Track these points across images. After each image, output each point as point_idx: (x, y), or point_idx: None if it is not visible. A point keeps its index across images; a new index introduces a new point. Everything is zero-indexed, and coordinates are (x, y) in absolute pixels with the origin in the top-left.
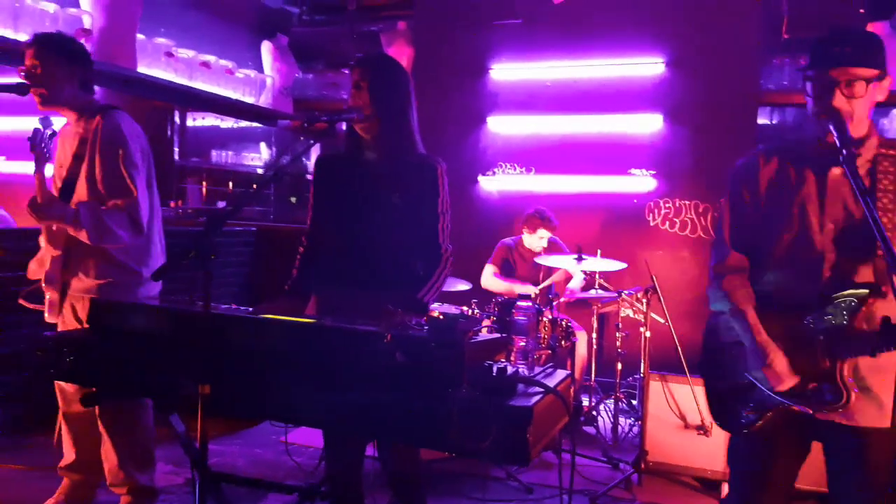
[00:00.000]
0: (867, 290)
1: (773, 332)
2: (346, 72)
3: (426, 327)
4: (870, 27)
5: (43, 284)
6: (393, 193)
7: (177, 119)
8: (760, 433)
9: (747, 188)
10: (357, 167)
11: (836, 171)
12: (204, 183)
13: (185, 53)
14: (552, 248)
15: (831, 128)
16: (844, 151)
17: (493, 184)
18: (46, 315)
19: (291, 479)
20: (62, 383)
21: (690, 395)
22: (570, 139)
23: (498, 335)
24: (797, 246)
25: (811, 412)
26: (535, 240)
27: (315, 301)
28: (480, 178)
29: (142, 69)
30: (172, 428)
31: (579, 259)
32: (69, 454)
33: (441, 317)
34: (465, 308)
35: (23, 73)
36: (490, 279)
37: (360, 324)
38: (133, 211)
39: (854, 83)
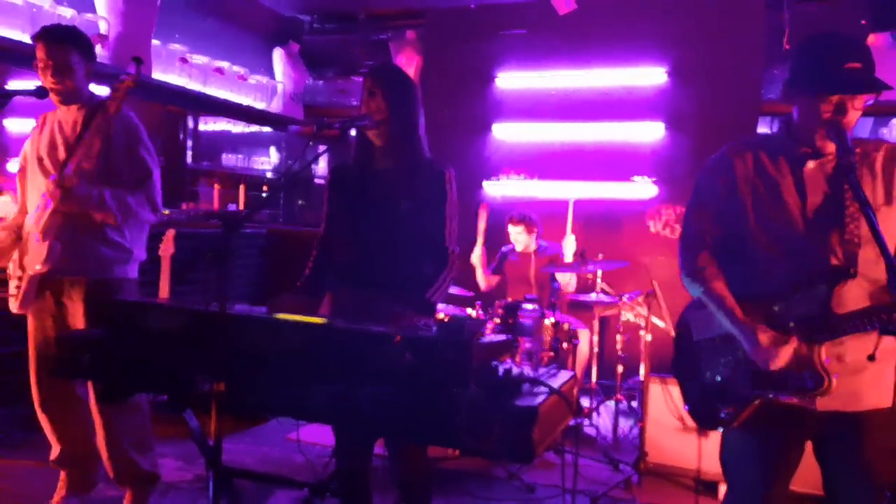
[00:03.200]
0: (836, 274)
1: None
2: (356, 79)
3: (435, 329)
4: (871, 38)
5: (11, 272)
6: (403, 199)
7: (190, 123)
8: (753, 431)
9: (723, 180)
10: (369, 173)
11: (811, 164)
12: (216, 186)
13: (199, 59)
14: (549, 256)
15: (834, 138)
16: (844, 160)
17: (497, 190)
18: (15, 305)
19: (299, 476)
20: (35, 379)
21: None
22: (573, 146)
23: (503, 336)
24: (773, 236)
25: (796, 401)
26: (514, 236)
27: (330, 300)
28: (485, 183)
29: (156, 75)
30: (185, 424)
31: (582, 261)
32: (55, 447)
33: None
34: (469, 310)
35: (44, 67)
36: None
37: (371, 325)
38: (151, 192)
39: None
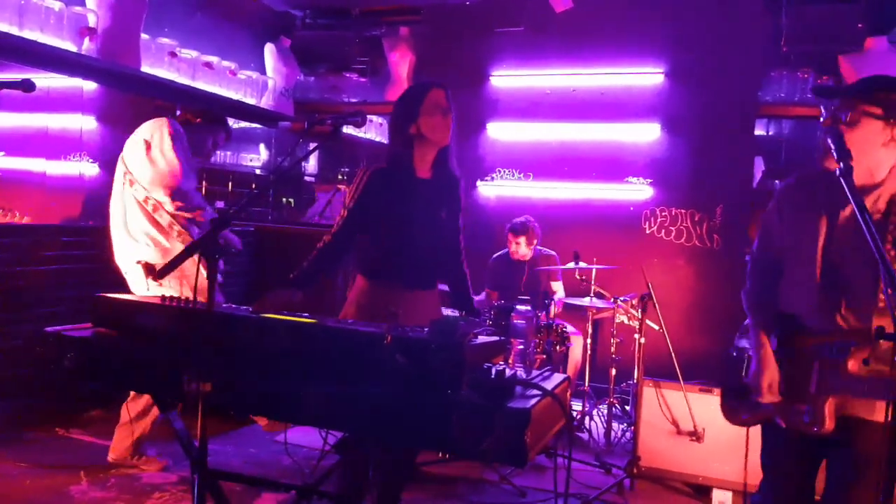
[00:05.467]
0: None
1: (786, 345)
2: (349, 75)
3: (426, 329)
4: (868, 42)
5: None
6: (442, 209)
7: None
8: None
9: (779, 213)
10: (409, 184)
11: (849, 207)
12: (203, 182)
13: (188, 54)
14: (545, 263)
15: (829, 141)
16: (842, 165)
17: (492, 189)
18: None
19: (286, 479)
20: None
21: (683, 402)
22: (568, 146)
23: (496, 338)
24: (808, 270)
25: (784, 425)
26: (514, 247)
27: (365, 298)
28: (479, 183)
29: (145, 69)
30: (170, 425)
31: (576, 264)
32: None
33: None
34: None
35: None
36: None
37: (363, 325)
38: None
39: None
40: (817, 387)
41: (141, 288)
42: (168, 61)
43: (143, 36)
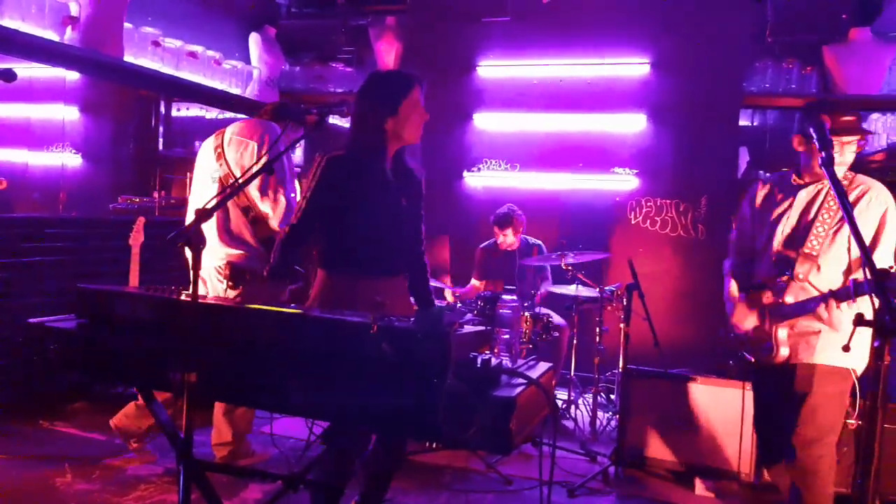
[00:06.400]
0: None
1: (754, 303)
2: (334, 65)
3: (412, 319)
4: (852, 33)
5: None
6: (402, 196)
7: (162, 109)
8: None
9: (749, 204)
10: (373, 171)
11: (802, 193)
12: (188, 173)
13: (172, 43)
14: (532, 252)
15: (812, 131)
16: (824, 154)
17: (478, 180)
18: None
19: (273, 469)
20: None
21: (668, 390)
22: (555, 137)
23: (482, 327)
24: (769, 245)
25: (753, 360)
26: (501, 239)
27: (328, 288)
28: (466, 173)
29: (128, 58)
30: (155, 416)
31: (563, 254)
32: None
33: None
34: (447, 294)
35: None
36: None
37: (349, 314)
38: None
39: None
40: (770, 321)
41: (218, 289)
42: (152, 50)
43: (127, 25)
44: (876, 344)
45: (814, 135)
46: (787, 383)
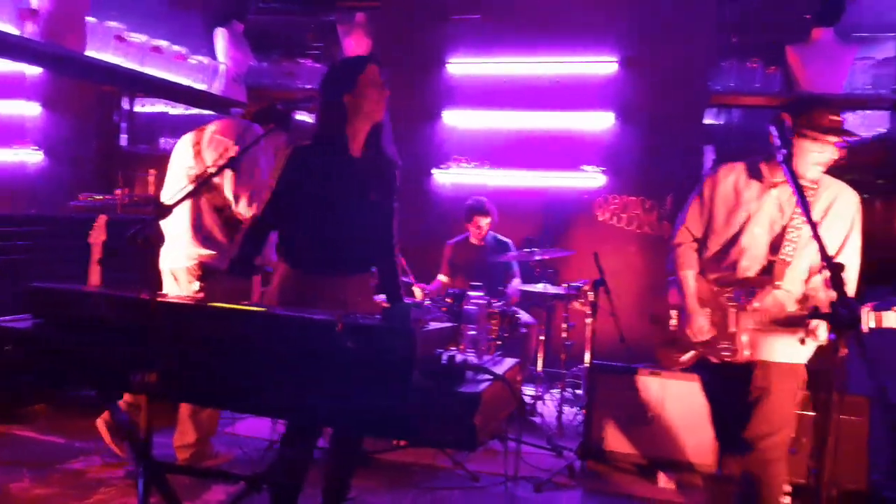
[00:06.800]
0: (767, 282)
1: (705, 296)
2: (303, 61)
3: (378, 316)
4: (815, 33)
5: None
6: (371, 190)
7: (125, 105)
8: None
9: (711, 190)
10: (339, 162)
11: (774, 192)
12: (153, 170)
13: (136, 38)
14: (501, 249)
15: (772, 129)
16: (784, 151)
17: (448, 177)
18: None
19: (236, 470)
20: None
21: (633, 385)
22: (524, 134)
23: (449, 324)
24: (734, 239)
25: (713, 360)
26: (475, 229)
27: (288, 285)
28: (434, 171)
29: (91, 53)
30: (115, 417)
31: (531, 251)
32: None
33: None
34: (416, 290)
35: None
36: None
37: (314, 312)
38: None
39: None
40: (735, 325)
41: (189, 288)
42: (115, 45)
43: (90, 19)
44: (832, 337)
45: (775, 133)
46: (741, 380)
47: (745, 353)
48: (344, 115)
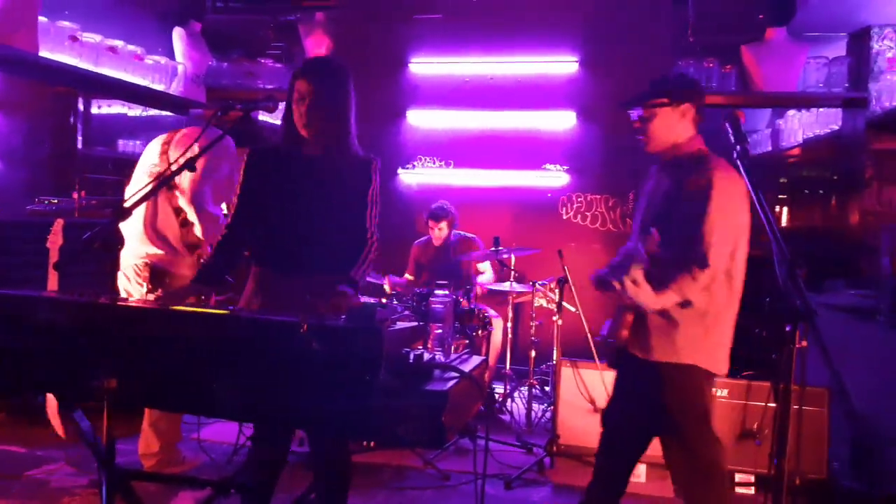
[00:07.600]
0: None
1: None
2: (264, 61)
3: (344, 317)
4: (769, 32)
5: None
6: (329, 188)
7: (80, 106)
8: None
9: (643, 188)
10: (295, 161)
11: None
12: (109, 174)
13: (90, 38)
14: (466, 245)
15: (727, 126)
16: (739, 147)
17: (413, 177)
18: None
19: (202, 476)
20: None
21: (599, 381)
22: (487, 134)
23: (415, 323)
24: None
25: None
26: (435, 232)
27: (258, 286)
28: (400, 171)
29: (44, 53)
30: (76, 425)
31: (497, 249)
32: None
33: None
34: (383, 299)
35: None
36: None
37: (279, 314)
38: None
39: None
40: (616, 307)
41: (137, 291)
42: (69, 45)
43: (41, 18)
44: (787, 328)
45: (730, 130)
46: (650, 378)
47: (624, 337)
48: (293, 125)
